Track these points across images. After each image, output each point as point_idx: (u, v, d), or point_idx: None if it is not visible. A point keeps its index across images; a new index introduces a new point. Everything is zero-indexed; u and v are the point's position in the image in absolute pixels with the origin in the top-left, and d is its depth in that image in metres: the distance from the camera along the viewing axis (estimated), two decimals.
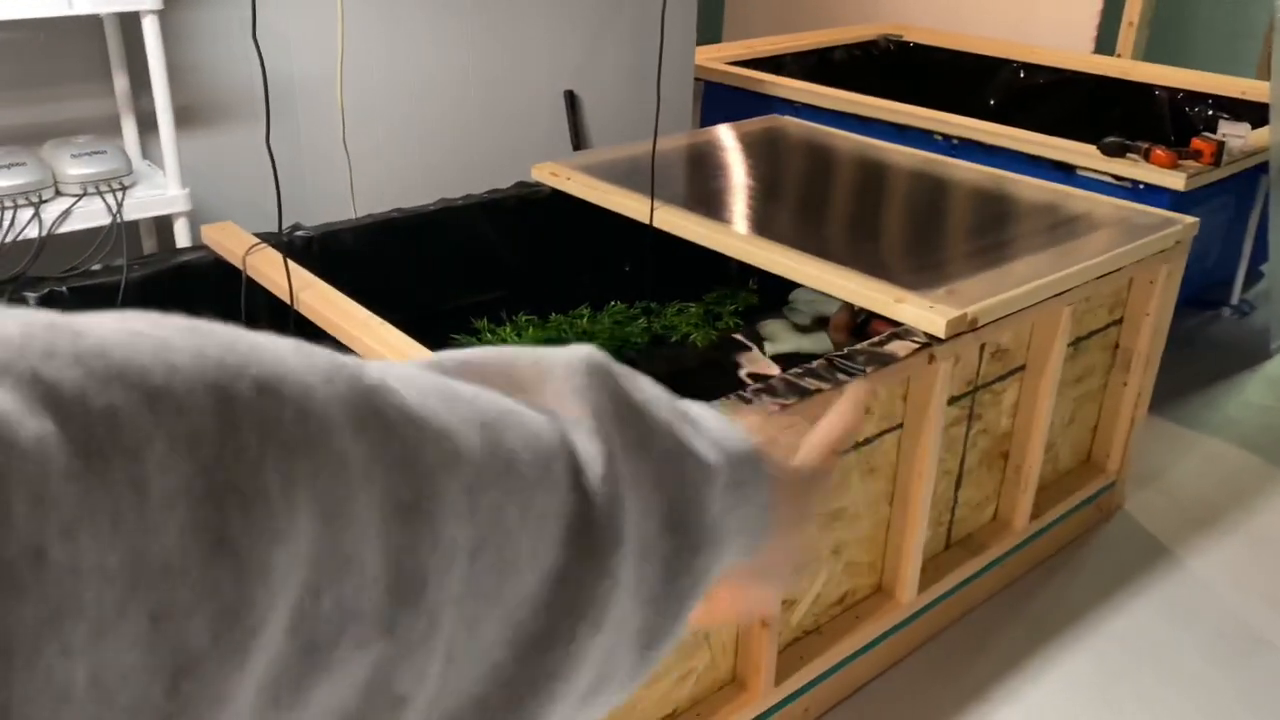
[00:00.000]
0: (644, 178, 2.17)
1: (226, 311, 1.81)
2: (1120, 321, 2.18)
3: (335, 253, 2.05)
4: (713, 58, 3.95)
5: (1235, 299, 3.33)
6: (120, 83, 2.03)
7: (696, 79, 3.60)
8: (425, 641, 0.29)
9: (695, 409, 0.44)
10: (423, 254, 2.20)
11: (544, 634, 0.33)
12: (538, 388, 0.38)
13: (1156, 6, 4.35)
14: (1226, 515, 2.36)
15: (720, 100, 3.84)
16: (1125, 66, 4.04)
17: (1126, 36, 4.28)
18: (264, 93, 1.50)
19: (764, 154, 2.65)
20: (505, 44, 2.65)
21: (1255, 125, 3.16)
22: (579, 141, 2.80)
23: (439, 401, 0.32)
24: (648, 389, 0.41)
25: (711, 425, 0.43)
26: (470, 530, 0.30)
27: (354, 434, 0.27)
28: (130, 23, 1.93)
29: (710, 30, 5.70)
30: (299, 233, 2.02)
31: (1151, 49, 4.38)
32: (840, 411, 0.53)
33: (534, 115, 2.75)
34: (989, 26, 4.59)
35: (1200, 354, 3.10)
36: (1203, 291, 3.28)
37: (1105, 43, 4.32)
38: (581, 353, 0.39)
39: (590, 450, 0.36)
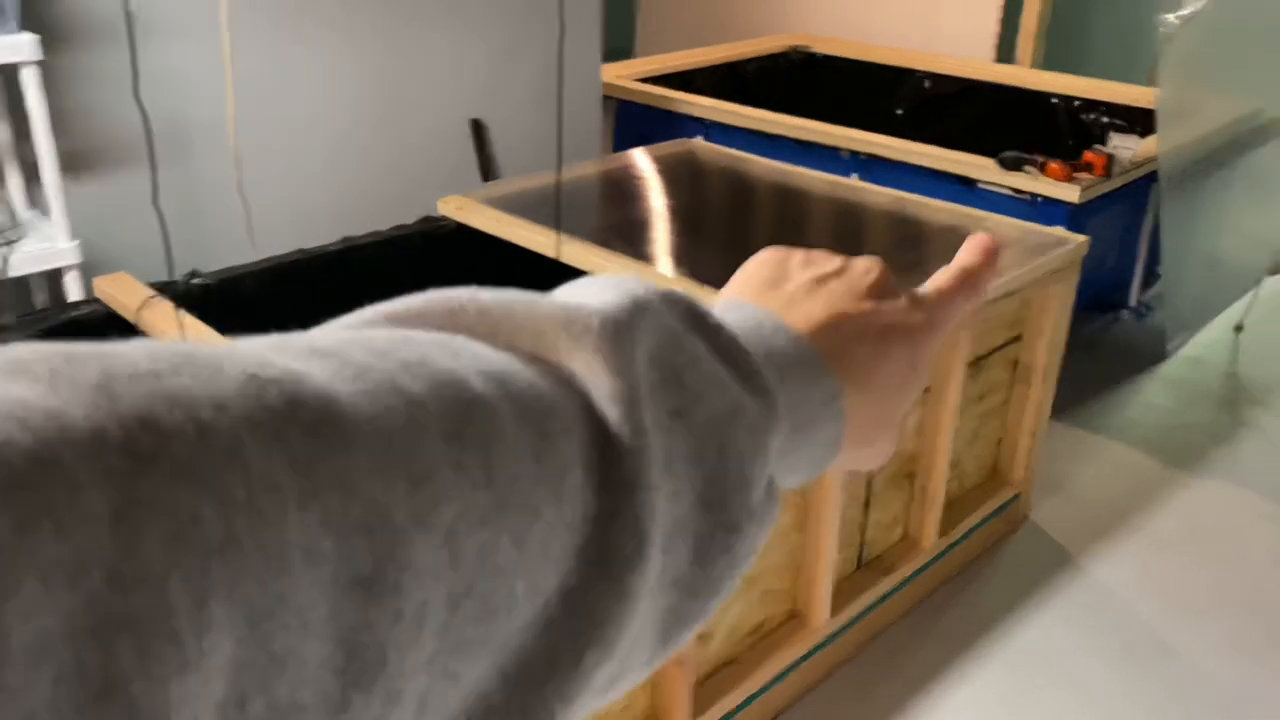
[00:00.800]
0: (552, 209, 2.17)
1: None
2: (1019, 338, 2.25)
3: (235, 299, 2.01)
4: (623, 75, 3.96)
5: (1133, 301, 3.45)
6: (1, 133, 1.97)
7: (608, 97, 3.61)
8: (389, 710, 0.24)
9: (768, 331, 0.38)
10: (327, 295, 2.16)
11: (544, 660, 0.28)
12: (552, 337, 0.31)
13: (1053, 15, 4.47)
14: (1129, 520, 2.44)
15: (633, 119, 3.85)
16: (1024, 75, 4.15)
17: (1025, 45, 4.40)
18: (149, 150, 1.47)
19: (676, 182, 2.67)
20: (407, 74, 2.62)
21: (1148, 131, 3.28)
22: (488, 172, 2.79)
23: (405, 402, 0.25)
24: (705, 326, 0.35)
25: (783, 348, 0.38)
26: (450, 582, 0.25)
27: (298, 509, 0.22)
28: (10, 69, 1.88)
29: (622, 43, 5.72)
30: (196, 280, 1.98)
31: (1050, 57, 4.51)
32: (969, 250, 0.47)
33: (440, 146, 2.73)
34: (895, 36, 4.68)
35: (1102, 357, 3.20)
36: (1102, 295, 3.39)
37: (1005, 51, 4.44)
38: (600, 304, 0.31)
39: (617, 429, 0.30)
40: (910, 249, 2.32)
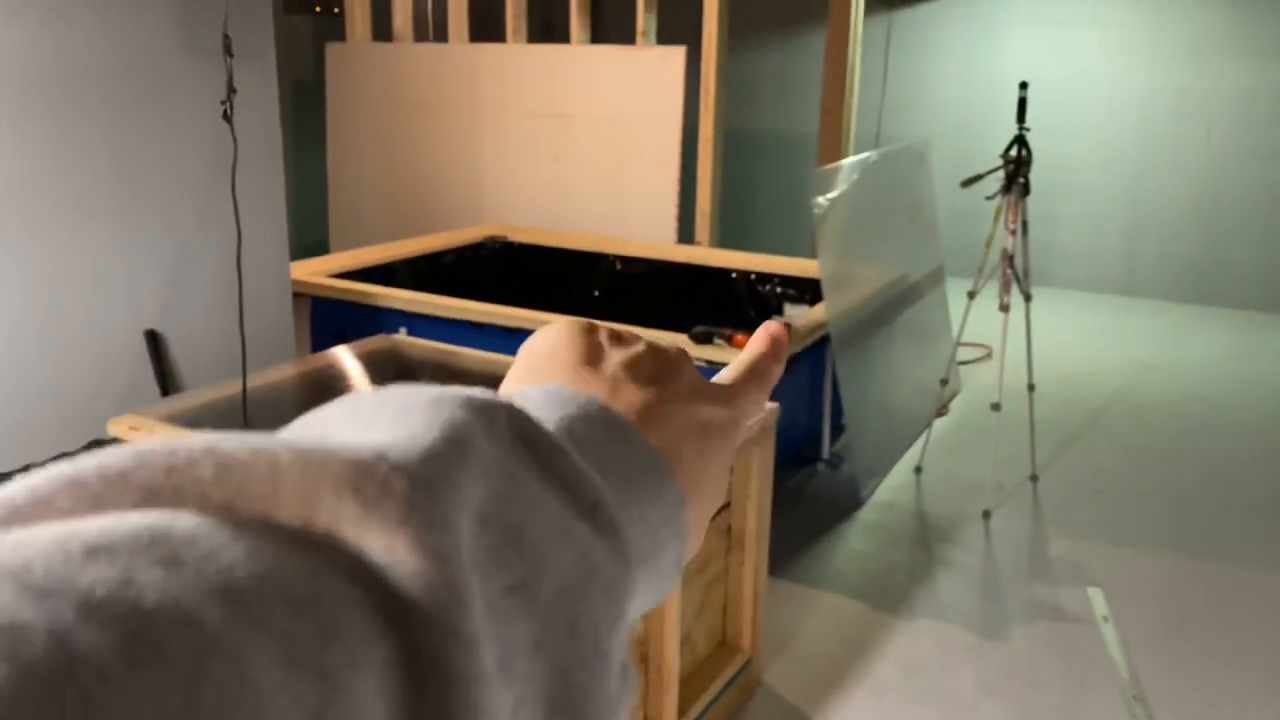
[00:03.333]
0: (241, 422, 2.03)
1: None
2: (728, 506, 2.32)
3: None
4: (317, 271, 3.88)
5: (826, 453, 3.70)
6: None
7: (301, 295, 3.51)
8: None
9: (599, 432, 0.31)
10: None
11: None
12: (332, 504, 0.22)
13: (722, 198, 4.90)
14: (852, 670, 2.52)
15: (330, 315, 3.76)
16: (705, 254, 4.48)
17: (702, 225, 4.77)
18: None
19: (381, 380, 2.59)
20: (72, 288, 2.41)
21: (816, 298, 3.61)
22: (168, 387, 2.58)
23: (79, 693, 0.16)
24: (538, 445, 0.27)
25: (621, 453, 0.31)
26: None
27: None
28: None
29: (318, 236, 5.64)
30: None
31: (724, 236, 4.91)
32: (760, 338, 0.42)
33: (113, 363, 2.51)
34: (585, 223, 4.93)
35: (804, 510, 3.38)
36: (797, 451, 3.62)
37: (686, 232, 4.79)
38: (402, 447, 0.23)
39: (435, 645, 0.21)
40: None
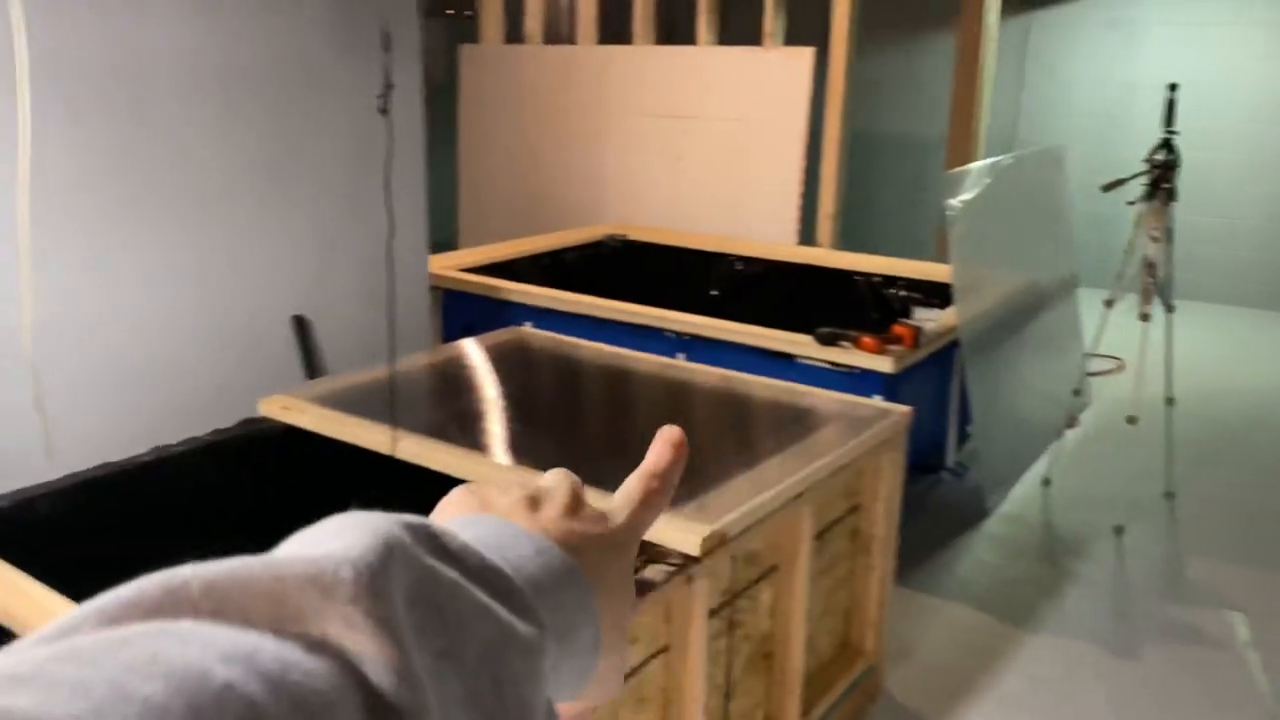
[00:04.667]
0: (384, 405, 2.10)
1: None
2: (857, 509, 2.30)
3: (29, 524, 1.81)
4: (449, 266, 3.98)
5: (950, 462, 3.63)
6: None
7: (434, 287, 3.61)
8: None
9: (508, 540, 0.39)
10: (137, 512, 1.99)
11: None
12: (297, 599, 0.28)
13: (845, 199, 4.85)
14: (976, 682, 2.47)
15: (460, 307, 3.86)
16: (826, 255, 4.44)
17: (824, 227, 4.73)
18: None
19: (508, 370, 2.65)
20: (226, 273, 2.54)
21: (942, 302, 3.54)
22: (313, 369, 2.69)
23: (142, 710, 0.22)
24: (451, 553, 0.33)
25: (527, 556, 0.38)
26: None
27: None
28: None
29: (443, 236, 5.79)
30: None
31: (846, 238, 4.86)
32: (658, 450, 0.48)
33: (262, 345, 2.63)
34: (706, 223, 4.94)
35: (928, 518, 3.32)
36: (921, 458, 3.55)
37: (807, 234, 4.76)
38: (346, 550, 0.29)
39: (392, 694, 0.27)
40: (740, 426, 2.36)
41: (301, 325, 2.70)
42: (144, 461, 2.03)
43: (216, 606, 0.27)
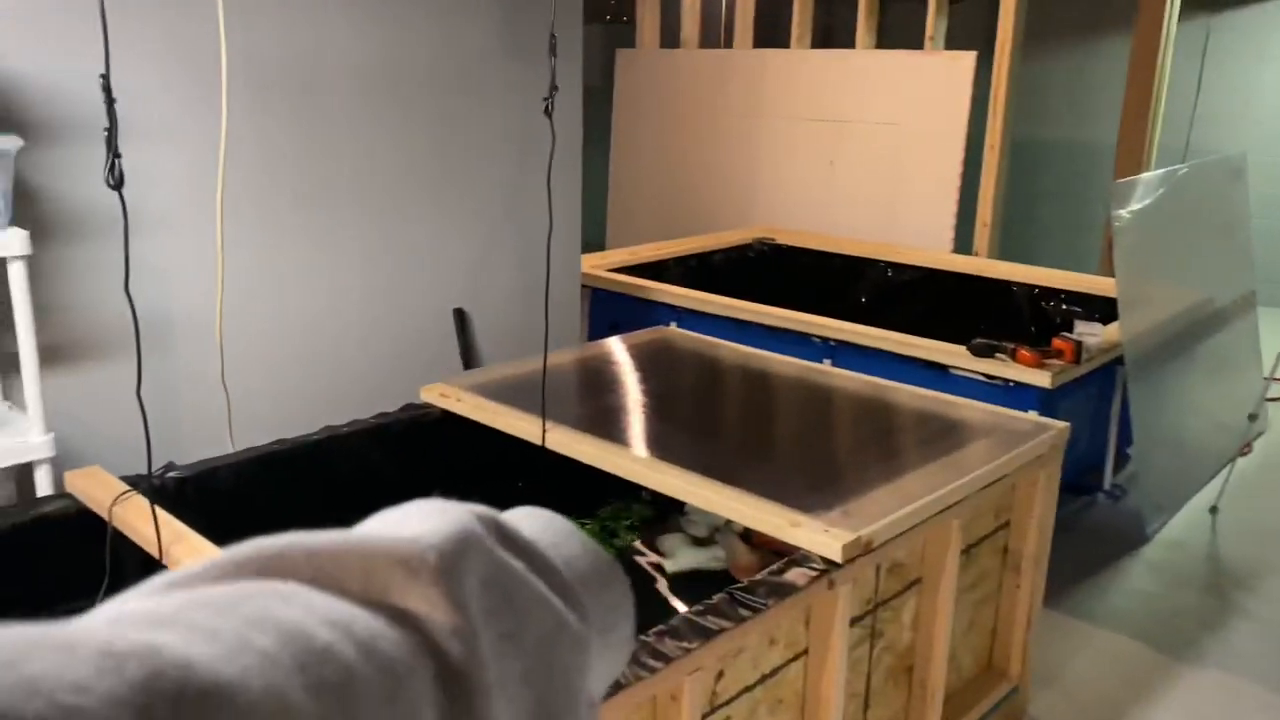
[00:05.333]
0: (535, 396, 2.17)
1: (90, 568, 1.69)
2: (1007, 525, 2.23)
3: (211, 492, 1.95)
4: (598, 265, 4.06)
5: (1108, 484, 3.47)
6: None
7: (583, 285, 3.69)
8: None
9: (561, 537, 0.42)
10: (307, 486, 2.12)
11: None
12: (384, 575, 0.32)
13: (1005, 208, 4.70)
14: (1129, 715, 2.36)
15: (607, 305, 3.93)
16: (983, 265, 4.31)
17: (982, 236, 4.60)
18: (136, 347, 1.45)
19: (653, 368, 2.69)
20: (392, 266, 2.66)
21: (1105, 317, 3.39)
22: (469, 360, 2.80)
23: (260, 659, 0.26)
24: (517, 545, 0.37)
25: (577, 554, 0.41)
26: None
27: None
28: None
29: (593, 236, 5.90)
30: (171, 474, 1.92)
31: (1004, 248, 4.71)
32: None
33: (423, 335, 2.75)
34: (858, 228, 4.87)
35: (1081, 541, 3.19)
36: (1076, 478, 3.41)
37: (963, 242, 4.63)
38: (431, 535, 0.33)
39: (460, 664, 0.32)
40: (888, 434, 2.33)
41: (461, 318, 2.81)
42: (314, 440, 2.15)
43: (315, 574, 0.31)
